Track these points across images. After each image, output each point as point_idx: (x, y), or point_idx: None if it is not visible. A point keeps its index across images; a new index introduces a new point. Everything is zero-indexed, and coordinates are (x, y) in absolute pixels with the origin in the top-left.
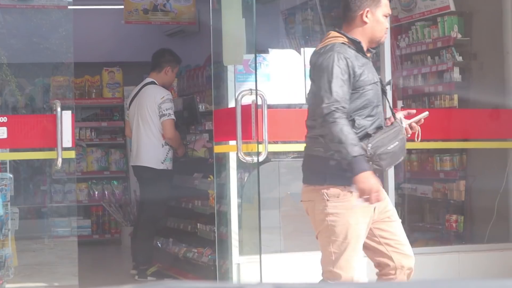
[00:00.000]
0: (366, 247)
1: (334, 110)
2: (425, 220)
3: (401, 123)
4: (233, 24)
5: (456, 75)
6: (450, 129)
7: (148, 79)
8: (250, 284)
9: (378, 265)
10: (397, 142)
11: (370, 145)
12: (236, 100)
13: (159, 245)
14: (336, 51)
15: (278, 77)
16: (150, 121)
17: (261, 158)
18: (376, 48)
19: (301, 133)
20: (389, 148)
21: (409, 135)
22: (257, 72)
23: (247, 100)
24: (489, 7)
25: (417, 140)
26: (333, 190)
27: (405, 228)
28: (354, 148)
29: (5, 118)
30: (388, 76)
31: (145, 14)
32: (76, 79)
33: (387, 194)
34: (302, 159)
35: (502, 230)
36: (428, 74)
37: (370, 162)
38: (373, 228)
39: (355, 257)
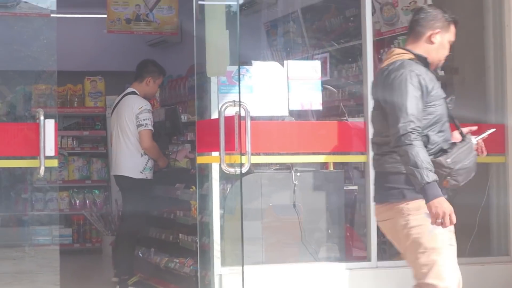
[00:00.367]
0: None
1: (410, 132)
2: None
3: (471, 139)
4: (216, 36)
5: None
6: None
7: (130, 89)
8: None
9: None
10: (471, 158)
11: (449, 160)
12: (219, 111)
13: (141, 255)
14: (407, 68)
15: (261, 89)
16: (128, 130)
17: (244, 170)
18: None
19: (283, 145)
20: (465, 163)
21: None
22: (240, 84)
23: (230, 111)
24: (471, 22)
25: (483, 155)
26: (414, 204)
27: (387, 241)
28: (429, 173)
29: None
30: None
31: (128, 23)
32: (58, 88)
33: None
34: (284, 171)
35: (483, 244)
36: None
37: (448, 177)
38: None
39: (448, 265)
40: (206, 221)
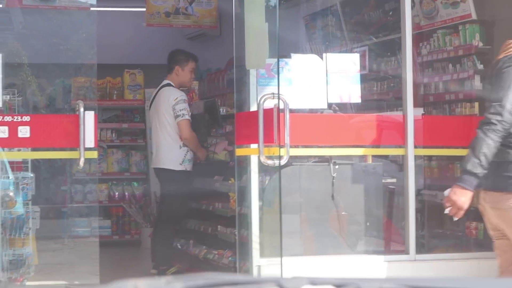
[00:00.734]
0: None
1: (494, 123)
2: (445, 227)
3: None
4: (256, 29)
5: (477, 83)
6: (470, 136)
7: (165, 81)
8: (286, 278)
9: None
10: None
11: None
12: (258, 103)
13: (179, 246)
14: None
15: (300, 82)
16: (166, 123)
17: (282, 162)
18: None
19: (322, 138)
20: None
21: None
22: (279, 77)
23: (269, 104)
24: (511, 15)
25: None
26: None
27: (425, 234)
28: (477, 166)
29: (28, 117)
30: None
31: (167, 17)
32: (97, 80)
33: (408, 199)
34: (323, 163)
35: None
36: (449, 82)
37: None
38: None
39: None
40: (245, 213)
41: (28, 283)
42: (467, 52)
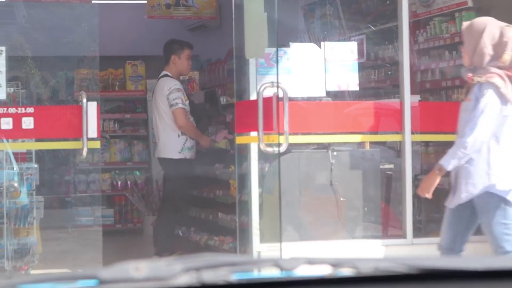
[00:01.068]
0: None
1: None
2: (442, 211)
3: None
4: (255, 19)
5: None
6: None
7: (163, 73)
8: (284, 258)
9: None
10: None
11: None
12: (258, 92)
13: (181, 234)
14: None
15: (298, 71)
16: (162, 112)
17: (282, 149)
18: None
19: (320, 125)
20: None
21: None
22: (279, 66)
23: (269, 92)
24: (507, 2)
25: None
26: None
27: (422, 218)
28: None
29: (32, 108)
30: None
31: (167, 8)
32: (100, 72)
33: (405, 184)
34: (321, 150)
35: None
36: (446, 69)
37: None
38: None
39: None
40: (245, 200)
41: (32, 271)
42: (463, 40)
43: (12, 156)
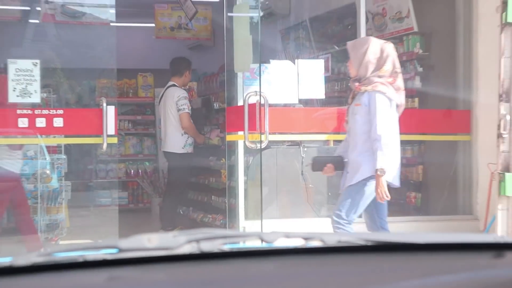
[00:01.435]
0: None
1: None
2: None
3: None
4: (242, 40)
5: (417, 82)
6: (411, 125)
7: (170, 82)
8: (265, 232)
9: None
10: None
11: None
12: (244, 99)
13: (181, 212)
14: None
15: (277, 82)
16: (171, 115)
17: (263, 145)
18: None
19: (294, 126)
20: None
21: None
22: (261, 78)
23: (253, 100)
24: (445, 28)
25: None
26: None
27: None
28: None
29: (61, 111)
30: None
31: (172, 31)
32: (117, 82)
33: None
34: (294, 146)
35: (451, 204)
36: None
37: None
38: None
39: None
40: (233, 186)
41: (61, 242)
42: (409, 58)
43: (45, 149)
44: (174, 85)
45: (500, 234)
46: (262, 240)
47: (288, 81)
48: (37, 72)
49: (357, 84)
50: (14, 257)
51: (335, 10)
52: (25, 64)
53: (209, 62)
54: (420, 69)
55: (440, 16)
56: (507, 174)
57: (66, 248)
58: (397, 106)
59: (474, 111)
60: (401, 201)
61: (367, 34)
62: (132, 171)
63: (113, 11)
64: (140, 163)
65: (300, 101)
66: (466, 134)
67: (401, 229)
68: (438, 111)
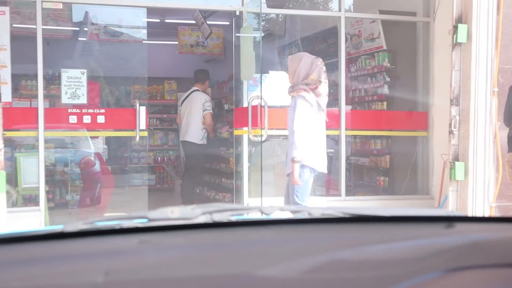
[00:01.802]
0: None
1: None
2: (364, 180)
3: None
4: (247, 55)
5: (385, 89)
6: (381, 123)
7: (194, 88)
8: (265, 206)
9: None
10: None
11: None
12: (248, 102)
13: (198, 191)
14: None
15: (274, 88)
16: (196, 114)
17: (263, 138)
18: None
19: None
20: None
21: None
22: (262, 85)
23: (255, 102)
24: (408, 46)
25: None
26: None
27: (351, 184)
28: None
29: (104, 110)
30: (342, 90)
31: (191, 47)
32: (147, 87)
33: (341, 162)
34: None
35: (412, 186)
36: (368, 89)
37: None
38: None
39: None
40: (239, 170)
41: (105, 214)
42: (380, 70)
43: (90, 140)
44: (197, 90)
45: (450, 209)
46: (262, 213)
47: (283, 87)
48: (84, 79)
49: (289, 90)
50: (65, 224)
51: (321, 32)
52: (75, 73)
53: (221, 72)
54: (388, 79)
55: (404, 37)
56: (456, 163)
57: (106, 218)
58: (322, 108)
59: (430, 112)
60: (372, 183)
61: (346, 51)
62: (159, 158)
63: (145, 31)
64: (165, 152)
65: None
66: (424, 131)
67: (373, 205)
68: (402, 112)
